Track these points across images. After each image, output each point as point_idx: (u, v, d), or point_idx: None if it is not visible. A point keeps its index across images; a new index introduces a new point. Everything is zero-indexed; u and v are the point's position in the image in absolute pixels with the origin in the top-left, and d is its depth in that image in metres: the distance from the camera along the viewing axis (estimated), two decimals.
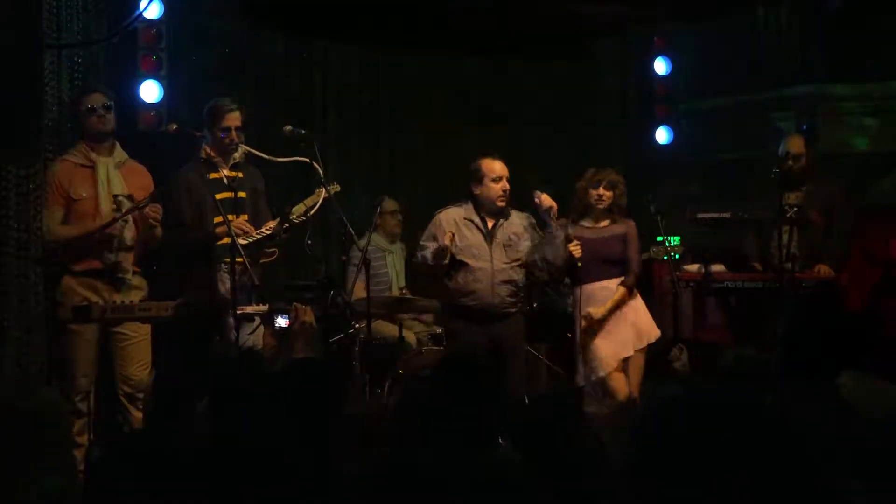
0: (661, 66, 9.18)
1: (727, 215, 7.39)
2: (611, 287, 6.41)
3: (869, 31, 9.02)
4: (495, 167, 6.34)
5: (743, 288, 7.27)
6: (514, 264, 6.35)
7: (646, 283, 6.82)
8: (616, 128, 9.57)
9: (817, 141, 8.25)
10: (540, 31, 8.82)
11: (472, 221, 6.36)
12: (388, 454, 3.09)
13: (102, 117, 5.99)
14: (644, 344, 6.42)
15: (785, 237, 6.96)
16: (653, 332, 6.48)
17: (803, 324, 3.47)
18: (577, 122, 9.38)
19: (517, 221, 6.44)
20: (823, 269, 7.12)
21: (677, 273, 7.11)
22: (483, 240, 6.34)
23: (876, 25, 8.95)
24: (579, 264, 6.29)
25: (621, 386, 6.31)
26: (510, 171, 6.43)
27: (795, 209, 7.03)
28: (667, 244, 7.22)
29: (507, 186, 6.34)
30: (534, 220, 6.48)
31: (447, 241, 6.20)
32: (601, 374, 6.32)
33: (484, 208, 6.37)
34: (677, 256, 7.35)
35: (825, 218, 7.23)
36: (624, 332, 6.39)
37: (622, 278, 6.44)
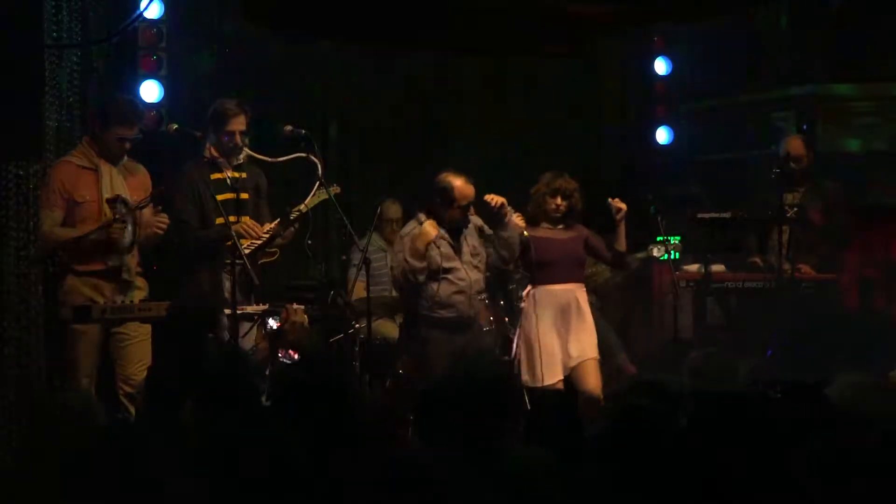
0: (661, 66, 9.18)
1: (727, 215, 7.39)
2: (572, 290, 6.40)
3: (869, 31, 9.02)
4: (466, 192, 6.27)
5: (743, 288, 7.27)
6: (481, 272, 6.39)
7: (646, 283, 6.82)
8: (616, 128, 9.57)
9: (817, 141, 8.25)
10: (540, 31, 8.82)
11: (444, 238, 6.34)
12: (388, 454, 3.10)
13: (127, 148, 5.98)
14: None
15: (784, 237, 6.96)
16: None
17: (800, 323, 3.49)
18: (577, 122, 9.38)
19: (472, 228, 6.44)
20: (805, 269, 7.10)
21: (677, 273, 7.12)
22: (454, 253, 6.32)
23: (876, 25, 8.95)
24: (525, 233, 6.27)
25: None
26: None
27: (795, 209, 7.04)
28: (667, 244, 7.23)
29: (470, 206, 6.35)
30: (480, 222, 6.48)
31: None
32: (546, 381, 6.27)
33: (449, 225, 6.34)
34: (677, 256, 7.36)
35: (824, 218, 7.23)
36: (583, 336, 6.37)
37: (580, 284, 6.43)
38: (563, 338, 6.34)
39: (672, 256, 7.23)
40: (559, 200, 6.42)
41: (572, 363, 6.33)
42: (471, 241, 6.39)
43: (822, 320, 6.76)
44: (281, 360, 5.99)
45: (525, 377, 6.32)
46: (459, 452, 3.02)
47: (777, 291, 6.95)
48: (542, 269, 6.38)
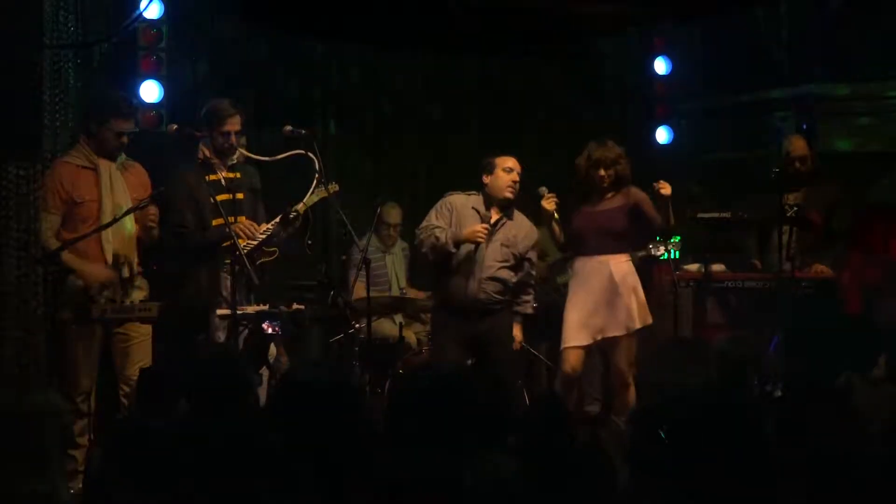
0: (661, 66, 9.18)
1: (727, 215, 7.39)
2: (607, 262, 6.37)
3: (868, 31, 9.02)
4: (507, 160, 6.41)
5: (743, 288, 7.27)
6: (504, 264, 6.35)
7: (646, 283, 6.81)
8: (616, 128, 9.57)
9: (816, 141, 8.25)
10: (540, 31, 8.82)
11: (478, 212, 6.35)
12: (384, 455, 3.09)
13: (125, 143, 5.97)
14: (632, 328, 6.38)
15: (785, 237, 6.96)
16: (647, 318, 6.43)
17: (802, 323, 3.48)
18: (577, 122, 9.38)
19: (521, 225, 6.46)
20: (820, 269, 7.11)
21: (677, 273, 7.12)
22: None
23: (875, 25, 8.95)
24: (556, 216, 6.32)
25: (574, 359, 6.31)
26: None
27: (795, 209, 7.04)
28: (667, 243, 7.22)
29: (518, 179, 6.37)
30: (536, 232, 6.52)
31: (483, 228, 6.19)
32: (565, 344, 6.32)
33: (492, 200, 6.37)
34: (677, 255, 7.36)
35: (824, 218, 7.23)
36: (614, 310, 6.35)
37: (618, 254, 6.41)
38: (591, 307, 6.33)
39: (672, 256, 7.23)
40: (602, 171, 6.40)
41: (600, 336, 6.34)
42: (512, 230, 6.38)
43: (823, 320, 6.75)
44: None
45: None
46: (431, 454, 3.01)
47: (777, 291, 6.94)
48: (576, 241, 6.44)
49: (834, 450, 2.77)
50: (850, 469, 2.68)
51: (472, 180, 6.48)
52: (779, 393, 3.69)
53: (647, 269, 7.99)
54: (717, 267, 7.32)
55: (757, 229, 7.49)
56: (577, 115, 9.40)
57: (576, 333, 6.34)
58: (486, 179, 6.38)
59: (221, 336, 5.77)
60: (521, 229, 6.43)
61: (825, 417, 3.16)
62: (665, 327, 6.68)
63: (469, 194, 6.43)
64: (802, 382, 3.46)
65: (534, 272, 6.59)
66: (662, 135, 9.20)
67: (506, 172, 6.34)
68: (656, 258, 7.38)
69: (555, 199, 6.35)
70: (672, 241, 7.35)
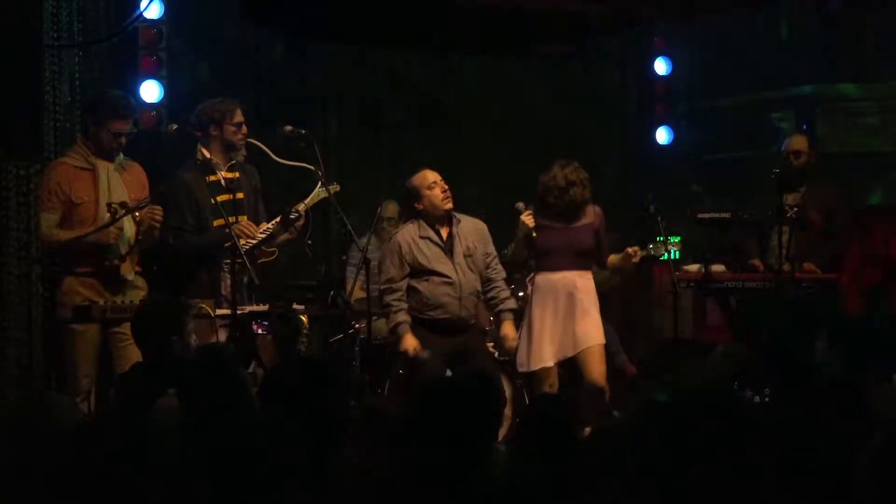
0: (661, 66, 9.19)
1: (727, 215, 7.39)
2: (571, 278, 6.31)
3: (869, 31, 9.03)
4: (426, 176, 6.31)
5: (743, 288, 7.27)
6: (474, 276, 6.34)
7: (646, 283, 6.82)
8: (616, 128, 9.58)
9: (817, 141, 8.25)
10: (540, 31, 8.83)
11: (428, 238, 6.31)
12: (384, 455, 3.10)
13: (123, 144, 5.96)
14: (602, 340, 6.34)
15: (784, 237, 6.96)
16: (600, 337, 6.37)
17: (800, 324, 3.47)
18: (576, 122, 9.38)
19: (471, 228, 6.41)
20: (808, 268, 7.09)
21: (677, 273, 7.11)
22: (443, 253, 6.30)
23: (876, 25, 8.95)
24: (534, 234, 6.25)
25: (548, 376, 6.27)
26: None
27: (795, 209, 7.03)
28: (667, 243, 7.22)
29: (446, 186, 6.30)
30: (485, 228, 6.47)
31: (416, 353, 6.18)
32: (539, 365, 6.24)
33: (434, 220, 6.32)
34: (677, 256, 7.36)
35: (824, 218, 7.23)
36: (584, 324, 6.29)
37: (583, 271, 6.36)
38: (559, 325, 6.26)
39: (672, 256, 7.23)
40: (552, 199, 6.33)
41: (571, 352, 6.27)
42: (465, 239, 6.36)
43: (823, 320, 6.76)
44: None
45: (519, 362, 6.30)
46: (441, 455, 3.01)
47: (777, 291, 6.94)
48: (542, 257, 6.34)
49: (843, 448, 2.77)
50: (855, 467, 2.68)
51: (473, 179, 6.47)
52: (765, 399, 3.69)
53: (647, 269, 8.01)
54: (717, 267, 7.32)
55: (757, 229, 7.48)
56: (576, 116, 9.41)
57: (549, 353, 6.26)
58: (420, 206, 6.30)
59: (217, 337, 5.76)
60: (471, 233, 6.39)
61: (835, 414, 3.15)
62: (665, 327, 6.67)
63: (410, 224, 6.35)
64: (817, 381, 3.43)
65: (499, 266, 6.52)
66: (662, 135, 9.21)
67: (431, 189, 6.27)
68: (656, 258, 7.37)
69: (531, 213, 6.28)
70: (672, 241, 7.35)
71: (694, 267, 7.37)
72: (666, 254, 6.87)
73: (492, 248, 6.50)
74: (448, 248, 6.31)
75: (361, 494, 2.96)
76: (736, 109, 9.51)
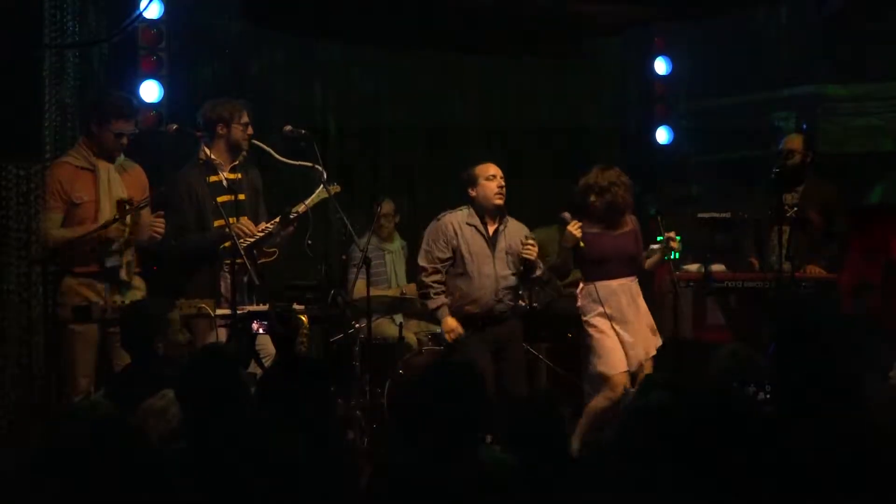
0: (661, 66, 9.19)
1: (727, 215, 7.38)
2: (628, 284, 6.40)
3: (869, 31, 9.03)
4: (488, 168, 6.39)
5: (743, 288, 7.27)
6: (512, 272, 6.38)
7: (646, 283, 6.81)
8: (616, 128, 9.58)
9: (817, 141, 8.25)
10: (540, 31, 8.83)
11: (474, 226, 6.37)
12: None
13: (124, 144, 5.96)
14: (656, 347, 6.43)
15: (784, 236, 6.96)
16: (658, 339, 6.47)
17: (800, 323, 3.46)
18: (576, 122, 9.38)
19: (516, 231, 6.46)
20: (814, 270, 7.10)
21: (677, 273, 7.11)
22: (486, 245, 6.35)
23: (876, 25, 8.95)
24: (582, 244, 6.28)
25: (624, 380, 6.30)
26: (512, 174, 6.44)
27: (795, 209, 7.03)
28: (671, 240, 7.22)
29: (503, 184, 6.36)
30: (526, 230, 6.50)
31: (458, 335, 6.23)
32: (613, 371, 6.27)
33: (483, 211, 6.38)
34: (677, 256, 7.35)
35: (823, 219, 7.23)
36: (645, 331, 6.39)
37: (636, 277, 6.45)
38: (632, 331, 6.33)
39: (672, 256, 7.23)
40: (593, 198, 6.38)
41: (645, 356, 6.34)
42: (509, 239, 6.39)
43: (823, 320, 6.74)
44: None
45: (601, 368, 6.27)
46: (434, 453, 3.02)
47: (777, 291, 6.94)
48: (595, 265, 6.37)
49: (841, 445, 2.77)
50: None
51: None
52: (766, 396, 3.68)
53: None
54: (717, 267, 7.32)
55: (756, 229, 7.48)
56: (576, 116, 9.41)
57: (624, 358, 6.28)
58: (473, 192, 6.37)
59: (214, 337, 5.76)
60: (517, 234, 6.44)
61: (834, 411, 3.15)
62: (665, 327, 6.67)
63: (460, 210, 6.42)
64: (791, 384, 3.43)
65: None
66: (662, 135, 9.20)
67: (489, 180, 6.34)
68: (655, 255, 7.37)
69: (579, 225, 6.33)
70: (676, 239, 7.35)
71: (694, 267, 7.37)
72: (674, 252, 6.86)
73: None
74: (492, 242, 6.35)
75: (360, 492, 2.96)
76: (736, 109, 9.50)
